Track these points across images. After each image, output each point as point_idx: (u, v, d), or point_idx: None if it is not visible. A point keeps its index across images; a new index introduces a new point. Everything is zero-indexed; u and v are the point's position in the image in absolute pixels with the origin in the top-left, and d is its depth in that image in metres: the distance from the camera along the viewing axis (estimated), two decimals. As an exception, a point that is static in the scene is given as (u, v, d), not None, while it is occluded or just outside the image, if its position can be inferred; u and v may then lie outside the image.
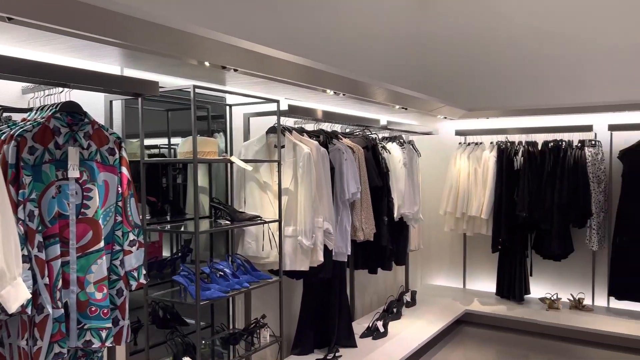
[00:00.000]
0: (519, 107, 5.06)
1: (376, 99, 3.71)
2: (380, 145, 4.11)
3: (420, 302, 5.09)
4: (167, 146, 3.05)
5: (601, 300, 4.94)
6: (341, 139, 3.64)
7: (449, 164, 5.30)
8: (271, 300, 3.41)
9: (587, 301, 4.94)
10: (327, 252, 3.27)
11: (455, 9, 5.54)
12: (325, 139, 3.50)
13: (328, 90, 3.23)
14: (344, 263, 3.64)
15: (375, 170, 3.83)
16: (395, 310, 4.64)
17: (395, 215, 4.10)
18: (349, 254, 3.54)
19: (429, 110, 4.57)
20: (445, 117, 5.10)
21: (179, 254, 3.13)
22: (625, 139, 4.72)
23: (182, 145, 2.74)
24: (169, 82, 2.81)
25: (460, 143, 5.41)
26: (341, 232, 3.44)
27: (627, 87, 4.71)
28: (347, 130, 4.11)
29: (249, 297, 3.28)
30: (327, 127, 3.81)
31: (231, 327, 3.26)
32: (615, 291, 4.70)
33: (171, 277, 2.77)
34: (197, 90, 2.51)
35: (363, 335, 4.07)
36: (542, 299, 4.98)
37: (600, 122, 4.81)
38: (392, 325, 4.34)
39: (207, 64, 2.42)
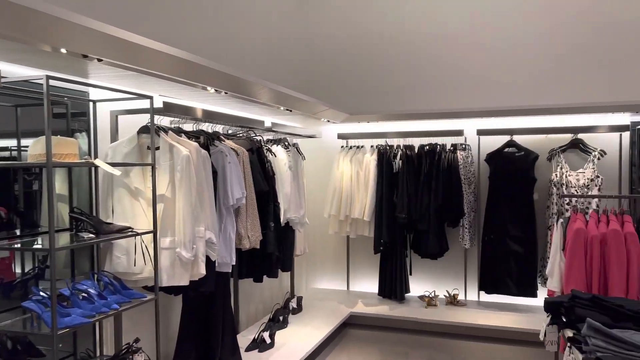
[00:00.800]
0: (397, 112, 5.20)
1: (260, 99, 3.53)
2: (265, 148, 3.94)
3: (307, 308, 5.00)
4: (16, 148, 2.58)
5: (473, 295, 5.26)
6: (224, 141, 3.40)
7: (332, 167, 5.30)
8: (146, 320, 3.06)
9: (462, 296, 5.23)
10: (209, 263, 3.01)
11: (337, 13, 5.57)
12: (207, 141, 3.24)
13: (209, 88, 2.98)
14: (228, 274, 3.40)
15: (261, 174, 3.65)
16: (281, 318, 4.49)
17: (281, 220, 3.96)
18: (234, 263, 3.32)
19: (313, 113, 4.50)
20: (329, 120, 5.08)
21: (32, 274, 2.67)
22: (492, 143, 5.07)
23: (33, 147, 2.31)
24: (17, 72, 2.37)
25: (342, 146, 5.44)
26: (225, 241, 3.21)
27: (493, 94, 5.07)
28: (230, 131, 3.88)
29: (120, 319, 2.91)
30: (207, 127, 3.55)
31: (98, 353, 2.86)
32: (485, 286, 5.03)
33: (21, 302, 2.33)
34: (52, 83, 2.13)
35: (249, 349, 3.87)
36: (421, 297, 5.17)
37: (470, 127, 5.12)
38: (279, 334, 4.19)
39: (63, 50, 2.05)
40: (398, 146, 5.21)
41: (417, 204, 4.98)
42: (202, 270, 2.91)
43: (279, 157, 4.15)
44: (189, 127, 3.39)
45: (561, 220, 3.29)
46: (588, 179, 4.62)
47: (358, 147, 5.36)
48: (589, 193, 4.57)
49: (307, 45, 5.59)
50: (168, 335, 3.48)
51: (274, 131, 4.26)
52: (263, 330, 4.05)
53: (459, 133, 5.09)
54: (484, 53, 5.12)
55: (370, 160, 5.16)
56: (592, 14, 4.80)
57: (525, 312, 4.83)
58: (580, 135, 4.81)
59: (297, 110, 4.15)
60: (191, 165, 2.86)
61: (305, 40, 5.58)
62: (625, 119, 4.71)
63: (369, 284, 5.56)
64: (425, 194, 4.98)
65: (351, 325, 5.02)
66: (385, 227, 5.03)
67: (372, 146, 5.29)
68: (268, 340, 3.95)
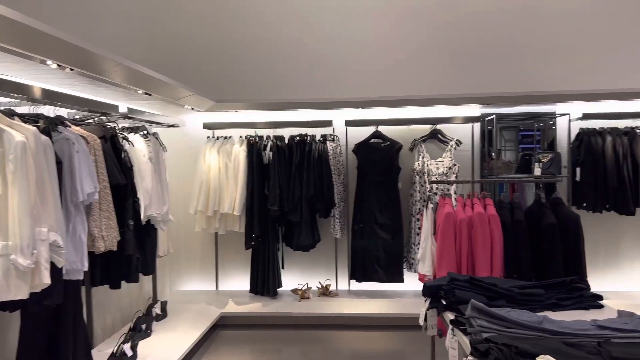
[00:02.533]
0: (266, 101, 5.01)
1: (114, 79, 3.07)
2: (120, 136, 3.47)
3: (172, 313, 4.59)
4: None
5: (344, 284, 5.29)
6: (69, 127, 2.89)
7: (198, 159, 4.94)
8: (-29, 346, 2.48)
9: (333, 287, 5.23)
10: (55, 270, 2.52)
11: (198, -6, 5.18)
12: (48, 126, 2.71)
13: (49, 62, 2.48)
14: (79, 281, 2.91)
15: (117, 166, 3.20)
16: (144, 326, 4.04)
17: (142, 218, 3.53)
18: (86, 269, 2.84)
19: (175, 99, 4.11)
20: (193, 108, 4.71)
21: None
22: (359, 134, 5.14)
23: None
24: None
25: (208, 137, 5.10)
26: (74, 243, 2.72)
27: (360, 86, 5.11)
28: (77, 117, 3.35)
29: None
30: (49, 112, 3.00)
31: None
32: (355, 274, 5.08)
33: None
34: None
35: (107, 365, 3.39)
36: (294, 290, 5.06)
37: (338, 118, 5.12)
38: (142, 345, 3.75)
39: None
40: (268, 137, 5.03)
41: (289, 196, 4.85)
42: (47, 280, 2.42)
43: (137, 147, 3.70)
44: (24, 110, 2.82)
45: (431, 205, 3.39)
46: (447, 167, 4.90)
47: (226, 137, 5.07)
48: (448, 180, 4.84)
49: (170, 27, 5.12)
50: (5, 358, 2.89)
51: (130, 118, 3.80)
52: (123, 342, 3.58)
53: (328, 124, 5.06)
54: (350, 45, 5.14)
55: (240, 152, 4.91)
56: (448, 8, 5.06)
57: (393, 297, 4.98)
58: (439, 126, 5.09)
59: (157, 94, 3.73)
60: (28, 153, 2.36)
61: (168, 21, 5.11)
62: (476, 110, 5.07)
63: (240, 282, 5.31)
64: (297, 185, 4.87)
65: (222, 326, 4.73)
66: (256, 221, 4.82)
67: (241, 137, 5.04)
68: (129, 353, 3.51)
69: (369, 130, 5.11)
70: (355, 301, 4.92)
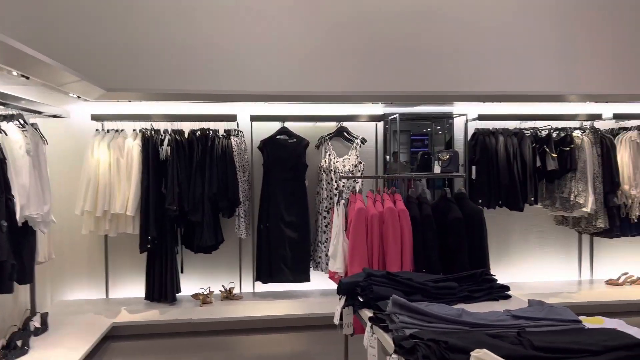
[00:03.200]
0: (164, 91, 4.65)
1: (-18, 55, 2.62)
2: (-10, 123, 2.98)
3: (55, 326, 4.08)
4: None
5: (249, 287, 5.08)
6: None
7: (86, 154, 4.45)
8: None
9: (237, 290, 4.99)
10: None
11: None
12: None
13: None
14: None
15: (-15, 157, 2.73)
16: (19, 343, 3.53)
17: (17, 219, 3.06)
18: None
19: (59, 84, 3.65)
20: (80, 97, 4.23)
21: None
22: (265, 129, 4.96)
23: None
24: None
25: (97, 130, 4.63)
26: None
27: (265, 81, 4.93)
28: None
29: None
30: None
31: None
32: (261, 275, 4.89)
33: None
34: None
35: (-29, 392, 2.88)
36: (195, 295, 4.75)
37: (243, 112, 4.91)
38: (17, 366, 3.26)
39: None
40: (166, 131, 4.67)
41: (189, 195, 4.54)
42: None
43: (12, 138, 3.22)
44: None
45: (342, 201, 3.31)
46: (353, 164, 4.89)
47: (117, 130, 4.63)
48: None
49: (57, 3, 4.55)
50: None
51: (3, 104, 3.29)
52: (-7, 364, 3.08)
53: (232, 118, 4.83)
54: (254, 38, 4.95)
55: (134, 146, 4.50)
56: (356, 6, 5.05)
57: (299, 297, 4.86)
58: (345, 124, 5.07)
59: (36, 77, 3.27)
60: None
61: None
62: (380, 109, 5.12)
63: (134, 289, 4.87)
64: (199, 183, 4.57)
65: (114, 338, 4.29)
66: (152, 222, 4.45)
67: (134, 130, 4.63)
68: (1, 376, 3.02)
69: (275, 126, 4.95)
70: (261, 303, 4.73)
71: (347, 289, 2.50)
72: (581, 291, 5.07)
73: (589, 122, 5.17)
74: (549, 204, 5.12)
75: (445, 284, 2.45)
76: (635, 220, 4.99)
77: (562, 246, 5.44)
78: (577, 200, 4.87)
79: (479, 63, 5.14)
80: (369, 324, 2.21)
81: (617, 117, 5.16)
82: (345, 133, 5.06)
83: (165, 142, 4.59)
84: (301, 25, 5.00)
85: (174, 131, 4.67)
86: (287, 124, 4.96)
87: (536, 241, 5.38)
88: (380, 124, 5.18)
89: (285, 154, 4.87)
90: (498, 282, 2.57)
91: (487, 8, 5.18)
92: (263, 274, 4.87)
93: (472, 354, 1.37)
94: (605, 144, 4.99)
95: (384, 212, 3.15)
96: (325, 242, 4.83)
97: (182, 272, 4.84)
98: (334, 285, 4.98)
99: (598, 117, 5.17)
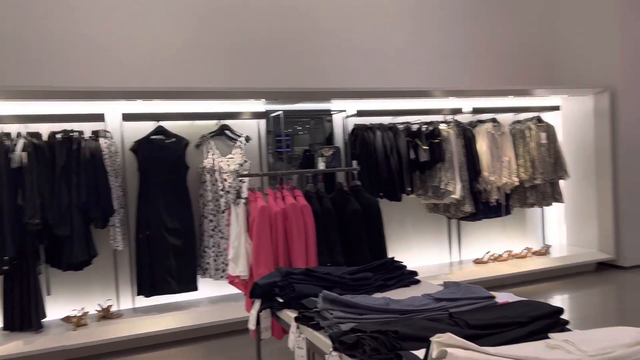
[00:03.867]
0: (15, 88, 4.02)
1: None
2: None
3: None
4: None
5: (128, 303, 4.62)
6: None
7: None
8: None
9: (116, 307, 4.51)
10: None
11: None
12: None
13: None
14: None
15: None
16: None
17: None
18: None
19: None
20: None
21: None
22: (138, 130, 4.56)
23: None
24: None
25: None
26: None
27: (137, 77, 4.53)
28: None
29: None
30: None
31: None
32: (143, 289, 4.48)
33: None
34: None
35: None
36: (66, 319, 4.19)
37: (113, 111, 4.45)
38: None
39: None
40: (19, 134, 4.04)
41: (53, 205, 3.98)
42: None
43: None
44: None
45: (243, 200, 3.15)
46: (238, 163, 4.71)
47: (-45, 135, 3.89)
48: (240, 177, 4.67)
49: None
50: None
51: None
52: None
53: (99, 118, 4.36)
54: (123, 32, 4.52)
55: (-22, 153, 3.82)
56: (233, 3, 4.88)
57: (187, 308, 4.54)
58: (227, 122, 4.86)
59: None
60: None
61: None
62: (262, 106, 5.02)
63: (-13, 319, 4.15)
64: (64, 191, 4.04)
65: (-34, 381, 3.61)
66: (8, 240, 3.83)
67: (-22, 134, 3.93)
68: None
69: (149, 126, 4.57)
70: (144, 319, 4.33)
71: (264, 291, 2.37)
72: (454, 272, 5.50)
73: (452, 116, 5.63)
74: (422, 193, 5.47)
75: (362, 275, 2.44)
76: (495, 203, 5.56)
77: (434, 231, 5.84)
78: (447, 188, 5.27)
79: (356, 60, 5.31)
80: (294, 324, 2.11)
81: (475, 110, 5.70)
82: (227, 131, 4.86)
83: (20, 147, 3.97)
84: (171, 18, 4.70)
85: (30, 134, 4.06)
86: (164, 123, 4.61)
87: (412, 228, 5.71)
88: (263, 122, 5.07)
89: (163, 155, 4.52)
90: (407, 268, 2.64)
91: (360, 8, 5.37)
92: (145, 287, 4.46)
93: (433, 339, 1.35)
94: (467, 135, 5.47)
95: (287, 208, 3.06)
96: (213, 247, 4.59)
97: (49, 294, 4.24)
98: (223, 292, 4.81)
99: (459, 111, 5.65)
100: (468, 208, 5.39)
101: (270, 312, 2.39)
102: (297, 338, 2.07)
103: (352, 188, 3.46)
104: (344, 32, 5.46)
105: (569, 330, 1.74)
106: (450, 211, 5.52)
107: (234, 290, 4.77)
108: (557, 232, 6.38)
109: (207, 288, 4.72)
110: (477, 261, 5.74)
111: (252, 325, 2.43)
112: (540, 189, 5.79)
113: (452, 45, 6.01)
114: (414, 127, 5.39)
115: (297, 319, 2.09)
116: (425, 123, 5.43)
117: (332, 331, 1.83)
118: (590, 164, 6.00)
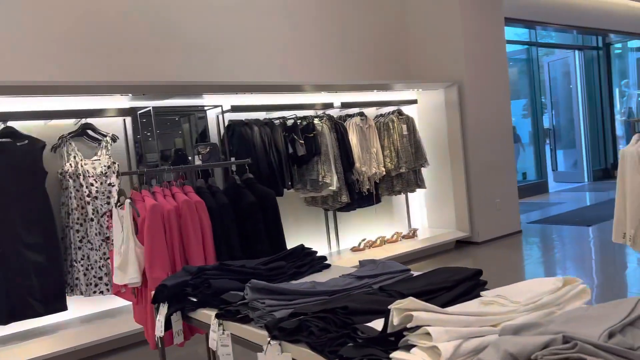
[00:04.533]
0: None
1: None
2: None
3: None
4: None
5: (-22, 335, 3.92)
6: None
7: None
8: None
9: (-37, 343, 3.79)
10: None
11: None
12: None
13: None
14: None
15: None
16: None
17: None
18: None
19: None
20: None
21: None
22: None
23: None
24: None
25: None
26: None
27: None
28: None
29: None
30: None
31: None
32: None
33: None
34: None
35: None
36: None
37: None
38: None
39: None
40: None
41: None
42: None
43: None
44: None
45: (128, 200, 2.85)
46: (105, 166, 4.28)
47: None
48: (108, 181, 4.25)
49: None
50: None
51: None
52: None
53: None
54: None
55: None
56: None
57: (55, 332, 4.00)
58: (90, 120, 4.38)
59: None
60: None
61: None
62: (128, 102, 4.62)
63: None
64: None
65: None
66: None
67: None
68: None
69: (-7, 126, 3.93)
70: (3, 351, 3.71)
71: (173, 292, 2.16)
72: (334, 261, 5.64)
73: (323, 111, 5.77)
74: (300, 187, 5.52)
75: (275, 264, 2.36)
76: (366, 193, 5.83)
77: (313, 224, 5.94)
78: (324, 180, 5.39)
79: (229, 55, 5.17)
80: (215, 322, 1.95)
81: (344, 105, 5.92)
82: (90, 131, 4.38)
83: None
84: (21, 3, 4.11)
85: None
86: (13, 123, 4.00)
87: (293, 222, 5.73)
88: (130, 119, 4.68)
89: (14, 161, 3.92)
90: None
91: (233, 2, 5.25)
92: (2, 314, 3.82)
93: (392, 306, 1.34)
94: (339, 129, 5.66)
95: (180, 205, 2.85)
96: (82, 260, 4.11)
97: None
98: (97, 309, 4.34)
99: (330, 106, 5.82)
100: (345, 198, 5.58)
101: (180, 315, 2.19)
102: (221, 336, 1.92)
103: (244, 181, 3.35)
104: (216, 26, 5.29)
105: (487, 289, 1.87)
106: (328, 203, 5.66)
107: (109, 305, 4.37)
108: (420, 216, 6.92)
109: (78, 306, 4.23)
110: (354, 249, 5.96)
111: (160, 333, 2.20)
112: (405, 177, 6.22)
113: (324, 42, 6.17)
114: (290, 122, 5.42)
115: (219, 316, 1.94)
116: (300, 118, 5.49)
117: (265, 321, 1.73)
118: (445, 152, 6.61)
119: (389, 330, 1.35)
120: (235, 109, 5.12)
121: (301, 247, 2.56)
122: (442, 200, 6.73)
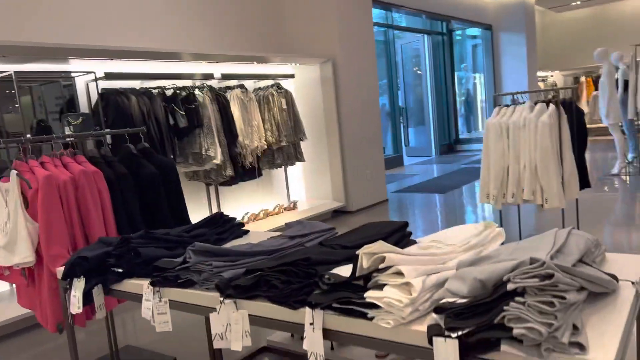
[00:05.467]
0: None
1: None
2: None
3: None
4: None
5: None
6: None
7: None
8: None
9: None
10: None
11: None
12: None
13: None
14: None
15: None
16: None
17: None
18: None
19: None
20: None
21: None
22: None
23: None
24: None
25: None
26: None
27: None
28: None
29: None
30: None
31: None
32: None
33: None
34: None
35: None
36: None
37: None
38: None
39: None
40: None
41: None
42: None
43: None
44: None
45: (15, 172, 2.52)
46: (-43, 137, 3.68)
47: None
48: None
49: None
50: None
51: None
52: None
53: None
54: None
55: None
56: None
57: None
58: None
59: None
60: None
61: None
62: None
63: None
64: None
65: None
66: None
67: None
68: None
69: None
70: None
71: (94, 265, 1.99)
72: (219, 236, 5.57)
73: (203, 82, 5.59)
74: (182, 160, 5.32)
75: (198, 231, 2.31)
76: (249, 167, 5.83)
77: (195, 199, 5.78)
78: (208, 153, 5.27)
79: (103, 18, 4.73)
80: (149, 290, 1.86)
81: (225, 76, 5.80)
82: None
83: None
84: None
85: None
86: None
87: (174, 199, 5.51)
88: (-17, 85, 4.07)
89: None
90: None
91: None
92: None
93: (361, 251, 1.42)
94: (220, 101, 5.54)
95: (77, 176, 2.60)
96: None
97: None
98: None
99: (211, 76, 5.66)
100: (229, 172, 5.51)
101: (101, 288, 2.03)
102: (158, 304, 1.84)
103: (141, 151, 3.15)
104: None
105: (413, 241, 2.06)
106: (211, 177, 5.54)
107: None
108: (299, 188, 7.11)
109: None
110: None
111: (77, 309, 2.02)
112: (285, 150, 6.33)
113: (205, 11, 5.93)
114: (169, 92, 5.17)
115: (155, 283, 1.85)
116: (179, 88, 5.26)
117: (217, 281, 1.70)
118: (321, 126, 6.85)
119: (357, 274, 1.44)
120: (109, 76, 4.73)
121: (220, 214, 2.53)
122: (319, 173, 7.00)
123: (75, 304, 2.01)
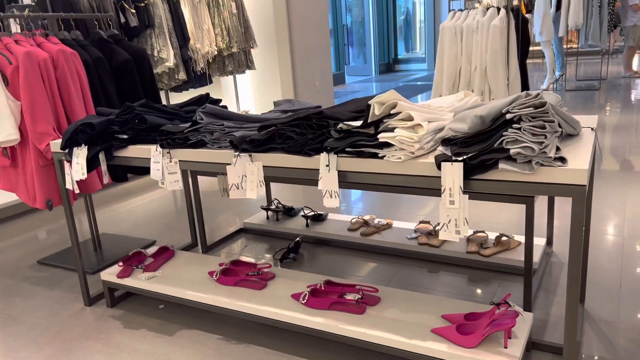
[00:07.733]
0: None
1: None
2: None
3: None
4: None
5: None
6: None
7: None
8: None
9: None
10: None
11: None
12: None
13: None
14: None
15: None
16: None
17: None
18: None
19: None
20: None
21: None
22: None
23: None
24: None
25: None
26: None
27: None
28: None
29: None
30: None
31: None
32: None
33: None
34: None
35: None
36: None
37: None
38: None
39: None
40: None
41: None
42: None
43: None
44: None
45: (-10, 46, 2.43)
46: None
47: None
48: None
49: None
50: None
51: None
52: None
53: None
54: None
55: None
56: None
57: None
58: None
59: None
60: None
61: None
62: None
63: None
64: None
65: None
66: None
67: None
68: None
69: None
70: None
71: (99, 129, 2.05)
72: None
73: (152, -20, 5.32)
74: (133, 63, 5.16)
75: (190, 108, 2.39)
76: (200, 72, 5.76)
77: (146, 105, 5.68)
78: (160, 55, 5.14)
79: None
80: (157, 152, 1.97)
81: (174, -25, 5.53)
82: None
83: None
84: None
85: None
86: None
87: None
88: None
89: None
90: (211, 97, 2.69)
91: None
92: None
93: (373, 101, 1.61)
94: (171, 1, 5.34)
95: (56, 55, 2.55)
96: None
97: None
98: None
99: (159, -26, 5.38)
100: (182, 75, 5.43)
101: (104, 155, 2.10)
102: (168, 164, 1.96)
103: (112, 37, 3.09)
104: None
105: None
106: (163, 81, 5.44)
107: None
108: (247, 97, 7.12)
109: None
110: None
111: (82, 175, 2.09)
112: (236, 57, 6.27)
113: None
114: (117, -12, 4.90)
115: (165, 145, 1.96)
116: (128, -16, 4.99)
117: (231, 138, 1.84)
118: (272, 35, 6.79)
119: (370, 120, 1.64)
120: (53, -35, 4.40)
121: (206, 95, 2.60)
122: (270, 82, 7.02)
123: (79, 171, 2.09)
